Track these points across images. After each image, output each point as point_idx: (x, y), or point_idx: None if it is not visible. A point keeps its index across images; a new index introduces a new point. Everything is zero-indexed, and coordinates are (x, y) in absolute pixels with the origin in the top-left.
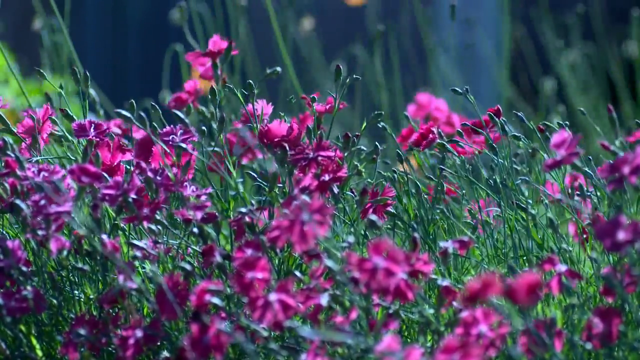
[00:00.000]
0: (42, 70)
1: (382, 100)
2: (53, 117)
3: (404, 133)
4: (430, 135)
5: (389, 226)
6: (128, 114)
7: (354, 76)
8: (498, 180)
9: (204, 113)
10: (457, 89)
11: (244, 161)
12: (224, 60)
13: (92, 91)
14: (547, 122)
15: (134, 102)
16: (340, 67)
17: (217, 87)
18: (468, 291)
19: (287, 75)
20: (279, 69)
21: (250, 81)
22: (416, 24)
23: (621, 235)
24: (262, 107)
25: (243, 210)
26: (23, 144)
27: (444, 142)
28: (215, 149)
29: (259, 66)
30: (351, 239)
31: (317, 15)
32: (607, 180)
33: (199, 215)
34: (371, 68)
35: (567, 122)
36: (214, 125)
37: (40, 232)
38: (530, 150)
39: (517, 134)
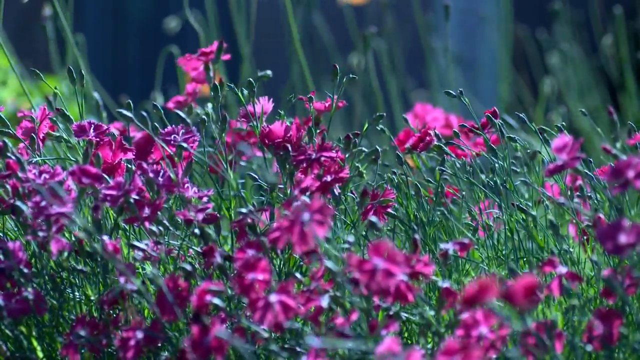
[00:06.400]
0: (41, 71)
1: (380, 103)
2: (52, 118)
3: (401, 136)
4: (427, 138)
5: (389, 228)
6: (129, 114)
7: (351, 76)
8: (499, 182)
9: (203, 113)
10: (451, 91)
11: (242, 159)
12: (215, 61)
13: (95, 94)
14: (543, 127)
15: (131, 102)
16: (337, 66)
17: (212, 89)
18: (466, 295)
19: (292, 76)
20: (269, 72)
21: (251, 79)
22: (426, 27)
23: (623, 238)
24: (263, 105)
25: (244, 210)
26: (21, 144)
27: (442, 145)
28: (214, 150)
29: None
30: (351, 240)
31: (321, 15)
32: (611, 184)
33: (200, 216)
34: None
35: (564, 124)
36: (212, 126)
37: (41, 234)
38: (527, 151)
39: (511, 136)
